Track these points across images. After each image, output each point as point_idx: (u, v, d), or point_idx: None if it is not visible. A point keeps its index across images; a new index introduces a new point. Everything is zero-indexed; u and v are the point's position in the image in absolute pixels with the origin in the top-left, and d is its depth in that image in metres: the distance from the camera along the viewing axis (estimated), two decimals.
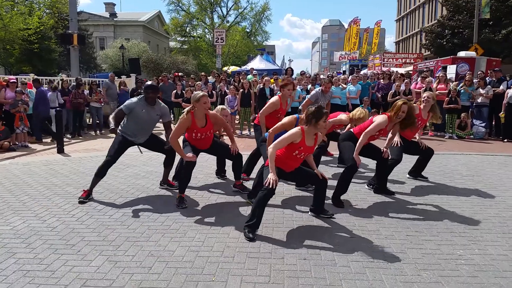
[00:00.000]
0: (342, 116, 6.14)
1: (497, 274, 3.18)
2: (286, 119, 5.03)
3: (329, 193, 4.76)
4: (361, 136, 5.01)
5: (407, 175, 6.36)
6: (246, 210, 4.70)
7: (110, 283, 3.04)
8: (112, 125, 5.01)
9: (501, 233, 4.03)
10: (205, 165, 7.01)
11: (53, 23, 28.08)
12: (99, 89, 12.57)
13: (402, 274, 3.18)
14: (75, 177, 6.30)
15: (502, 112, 10.27)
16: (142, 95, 5.13)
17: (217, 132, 6.15)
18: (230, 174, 6.39)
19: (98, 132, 11.93)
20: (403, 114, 5.00)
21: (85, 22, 37.65)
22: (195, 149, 5.00)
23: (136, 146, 5.35)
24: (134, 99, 5.10)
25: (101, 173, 5.13)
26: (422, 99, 5.93)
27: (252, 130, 11.46)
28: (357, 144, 4.97)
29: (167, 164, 5.57)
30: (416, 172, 6.30)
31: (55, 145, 8.79)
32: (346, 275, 3.15)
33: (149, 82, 5.47)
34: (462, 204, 4.99)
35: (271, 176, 3.83)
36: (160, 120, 5.33)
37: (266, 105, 5.97)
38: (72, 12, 16.50)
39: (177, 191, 5.06)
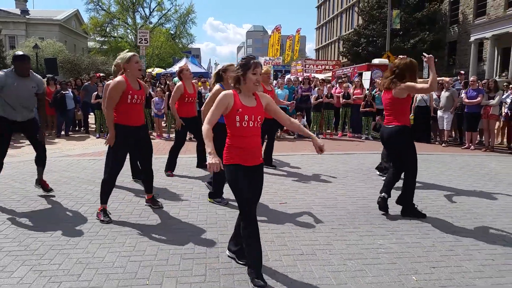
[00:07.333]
0: None
1: (413, 260, 3.52)
2: (213, 90, 5.08)
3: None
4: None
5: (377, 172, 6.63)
6: (178, 212, 4.67)
7: None
8: None
9: (414, 223, 4.45)
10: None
11: None
12: None
13: (330, 264, 3.40)
14: None
15: (411, 114, 11.26)
16: (10, 68, 4.85)
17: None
18: (159, 177, 6.30)
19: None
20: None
21: None
22: (127, 144, 4.48)
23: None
24: (1, 72, 4.73)
25: None
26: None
27: None
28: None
29: (39, 163, 5.28)
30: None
31: None
32: (279, 268, 3.29)
33: (18, 52, 5.07)
34: None
35: (209, 160, 2.84)
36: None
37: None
38: None
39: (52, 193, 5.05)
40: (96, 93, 11.49)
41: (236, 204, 4.85)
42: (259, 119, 3.13)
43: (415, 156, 4.68)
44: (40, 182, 5.36)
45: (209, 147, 2.90)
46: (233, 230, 3.47)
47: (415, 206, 4.70)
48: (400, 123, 4.65)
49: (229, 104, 3.05)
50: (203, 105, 5.26)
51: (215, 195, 5.08)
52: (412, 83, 4.50)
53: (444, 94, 10.49)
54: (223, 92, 3.12)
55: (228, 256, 3.47)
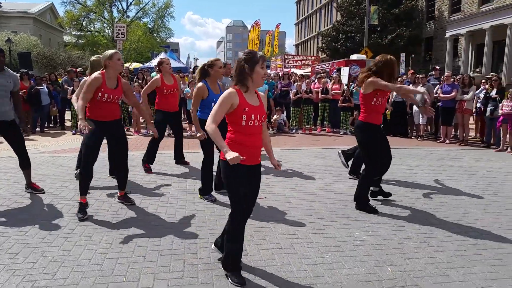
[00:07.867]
0: None
1: (388, 252, 3.59)
2: (195, 89, 4.99)
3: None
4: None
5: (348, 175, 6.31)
6: (156, 209, 4.64)
7: None
8: None
9: (390, 216, 4.54)
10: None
11: None
12: None
13: (307, 257, 3.44)
14: None
15: (388, 109, 11.43)
16: None
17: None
18: (137, 173, 6.24)
19: None
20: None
21: None
22: (98, 136, 4.43)
23: None
24: None
25: None
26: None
27: None
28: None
29: (23, 166, 5.13)
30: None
31: None
32: (257, 263, 3.31)
33: None
34: None
35: (229, 156, 2.67)
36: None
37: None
38: None
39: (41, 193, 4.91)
40: (71, 88, 11.25)
41: (217, 200, 4.89)
42: (263, 118, 3.04)
43: (375, 157, 4.77)
44: (30, 185, 5.22)
45: (222, 146, 2.77)
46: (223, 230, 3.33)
47: (369, 203, 4.78)
48: (364, 119, 4.79)
49: (234, 103, 2.91)
50: (191, 107, 5.09)
51: (205, 191, 5.02)
52: (376, 79, 4.58)
53: (421, 89, 10.69)
54: (228, 91, 2.95)
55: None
